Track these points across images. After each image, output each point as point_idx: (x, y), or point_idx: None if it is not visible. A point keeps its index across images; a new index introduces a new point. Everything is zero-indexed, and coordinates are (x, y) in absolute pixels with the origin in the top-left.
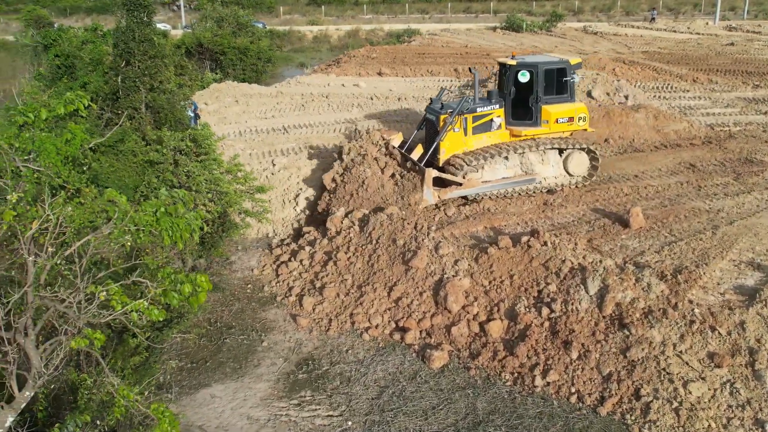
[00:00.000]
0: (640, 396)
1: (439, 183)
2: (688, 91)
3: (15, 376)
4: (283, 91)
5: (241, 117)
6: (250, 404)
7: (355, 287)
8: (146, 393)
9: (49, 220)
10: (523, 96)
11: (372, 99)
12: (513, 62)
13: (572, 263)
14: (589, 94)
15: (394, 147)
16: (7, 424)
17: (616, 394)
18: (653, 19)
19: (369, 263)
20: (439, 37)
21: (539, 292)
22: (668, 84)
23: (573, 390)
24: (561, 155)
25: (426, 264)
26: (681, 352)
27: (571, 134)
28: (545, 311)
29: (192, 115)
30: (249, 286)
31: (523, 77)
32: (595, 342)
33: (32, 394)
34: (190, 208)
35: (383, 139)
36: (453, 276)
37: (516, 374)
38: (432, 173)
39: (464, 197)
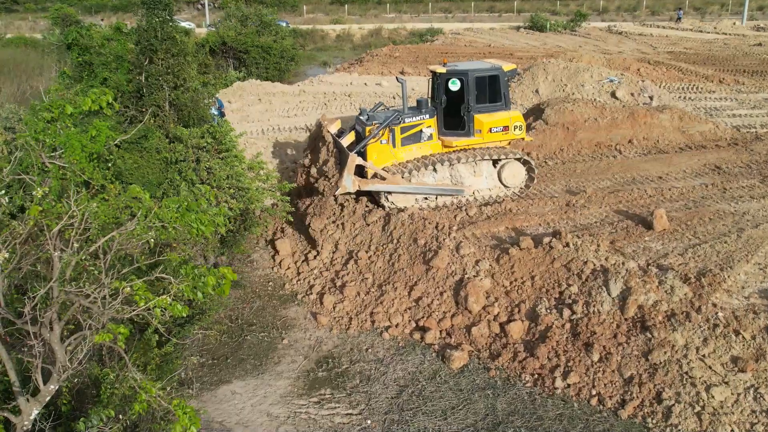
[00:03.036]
0: (661, 399)
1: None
2: (714, 92)
3: (40, 370)
4: (306, 90)
5: (264, 115)
6: (270, 401)
7: (376, 286)
8: (168, 388)
9: (75, 216)
10: (454, 105)
11: (394, 98)
12: (443, 70)
13: (594, 265)
14: (613, 94)
15: (328, 131)
16: (33, 417)
17: (637, 397)
18: (679, 19)
19: (389, 262)
20: (462, 37)
21: (560, 293)
22: (694, 85)
23: (594, 392)
24: (495, 166)
25: (447, 264)
26: (704, 356)
27: (509, 144)
28: (566, 313)
29: (216, 113)
30: (270, 283)
31: (454, 85)
32: (617, 344)
33: (56, 387)
34: (212, 203)
35: (322, 124)
36: (474, 276)
37: (536, 376)
38: (355, 159)
39: (371, 199)
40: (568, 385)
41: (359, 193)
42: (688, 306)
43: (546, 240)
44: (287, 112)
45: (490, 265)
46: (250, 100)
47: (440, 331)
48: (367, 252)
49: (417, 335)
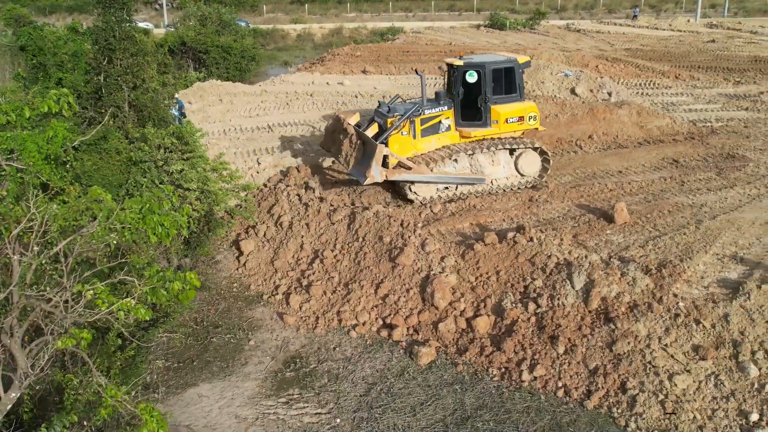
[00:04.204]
0: (626, 389)
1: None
2: (670, 87)
3: (0, 378)
4: (268, 90)
5: (226, 116)
6: (237, 403)
7: (342, 285)
8: (133, 393)
9: (34, 219)
10: (471, 96)
11: (356, 97)
12: (460, 63)
13: (558, 258)
14: (572, 91)
15: (349, 124)
16: None
17: (602, 387)
18: (635, 16)
19: (355, 261)
20: (423, 35)
21: (525, 287)
22: (651, 81)
23: (560, 384)
24: (512, 155)
25: (412, 261)
26: (666, 345)
27: (523, 134)
28: (532, 306)
29: (177, 114)
30: (235, 284)
31: (471, 77)
32: (582, 336)
33: (18, 395)
34: (176, 205)
35: (341, 119)
36: (440, 272)
37: (503, 369)
38: (383, 150)
39: (404, 197)
40: (535, 378)
41: (379, 185)
42: (649, 297)
43: (510, 235)
44: (249, 112)
45: (456, 261)
46: (210, 101)
47: (407, 328)
48: (332, 251)
49: (384, 333)
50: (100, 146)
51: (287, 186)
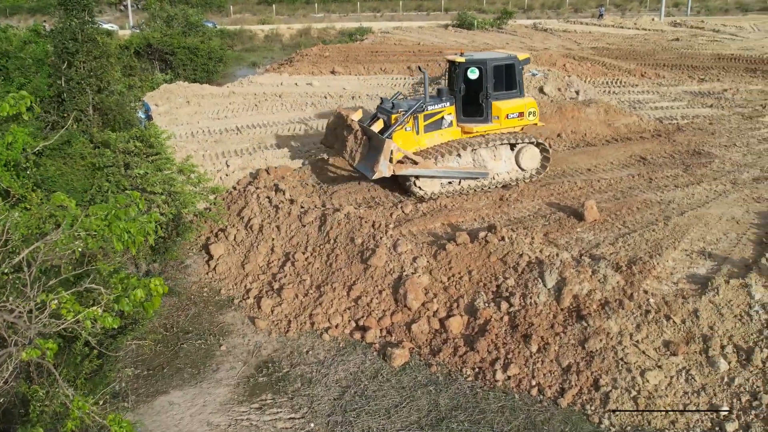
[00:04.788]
0: (599, 386)
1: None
2: (636, 85)
3: None
4: (236, 91)
5: (193, 118)
6: (209, 410)
7: (314, 287)
8: (101, 403)
9: None
10: (473, 93)
11: (326, 98)
12: (462, 59)
13: (529, 257)
14: (541, 90)
15: (353, 121)
16: None
17: (575, 385)
18: (601, 15)
19: (327, 263)
20: (391, 35)
21: (498, 286)
22: (617, 79)
23: (533, 383)
24: (513, 150)
25: (385, 262)
26: (638, 341)
27: (522, 129)
28: (504, 305)
29: (143, 116)
30: (205, 289)
31: (473, 74)
32: (554, 334)
33: None
34: (143, 210)
35: (343, 115)
36: (412, 273)
37: (477, 369)
38: (391, 145)
39: (417, 196)
40: (509, 377)
41: (392, 180)
42: (620, 294)
43: (481, 235)
44: (217, 114)
45: (428, 262)
46: (178, 103)
47: (380, 330)
48: (304, 253)
49: (357, 335)
50: (64, 151)
51: (257, 188)
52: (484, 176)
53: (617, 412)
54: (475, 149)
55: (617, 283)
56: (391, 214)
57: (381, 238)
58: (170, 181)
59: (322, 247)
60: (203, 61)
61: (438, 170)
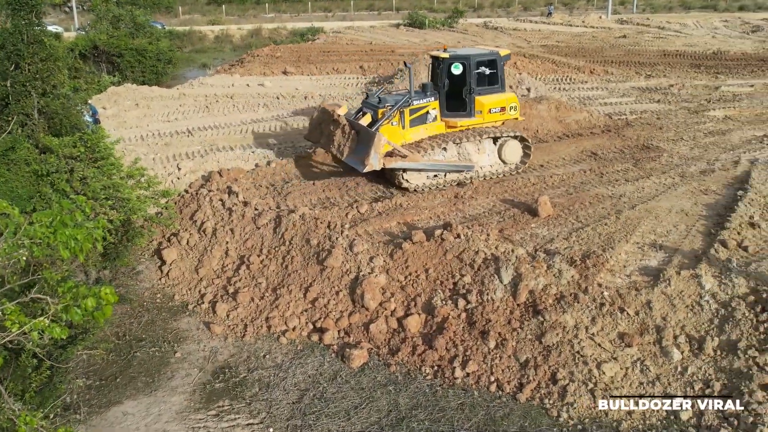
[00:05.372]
0: (556, 380)
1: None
2: (586, 82)
3: None
4: (186, 93)
5: (143, 121)
6: (165, 419)
7: (270, 290)
8: (52, 416)
9: None
10: (456, 88)
11: (278, 98)
12: (446, 55)
13: (485, 254)
14: None
15: (340, 115)
16: None
17: (533, 379)
18: (550, 13)
19: (283, 265)
20: (343, 35)
21: (455, 284)
22: (567, 76)
23: (492, 379)
24: (495, 144)
25: (341, 263)
26: (593, 334)
27: (503, 123)
28: (461, 303)
29: (90, 120)
30: (158, 295)
31: (456, 69)
32: (511, 330)
33: None
34: (89, 216)
35: (328, 110)
36: (369, 273)
37: (436, 367)
38: (382, 138)
39: (399, 186)
40: (468, 374)
41: (379, 174)
42: (575, 287)
43: (437, 233)
44: (167, 116)
45: (385, 261)
46: (126, 106)
47: (338, 331)
48: (259, 256)
49: (315, 337)
50: (8, 157)
51: (210, 191)
52: (469, 169)
53: (575, 405)
54: (460, 143)
55: (572, 277)
56: (346, 215)
57: (337, 238)
58: (116, 186)
59: (277, 249)
60: (152, 62)
61: (426, 163)
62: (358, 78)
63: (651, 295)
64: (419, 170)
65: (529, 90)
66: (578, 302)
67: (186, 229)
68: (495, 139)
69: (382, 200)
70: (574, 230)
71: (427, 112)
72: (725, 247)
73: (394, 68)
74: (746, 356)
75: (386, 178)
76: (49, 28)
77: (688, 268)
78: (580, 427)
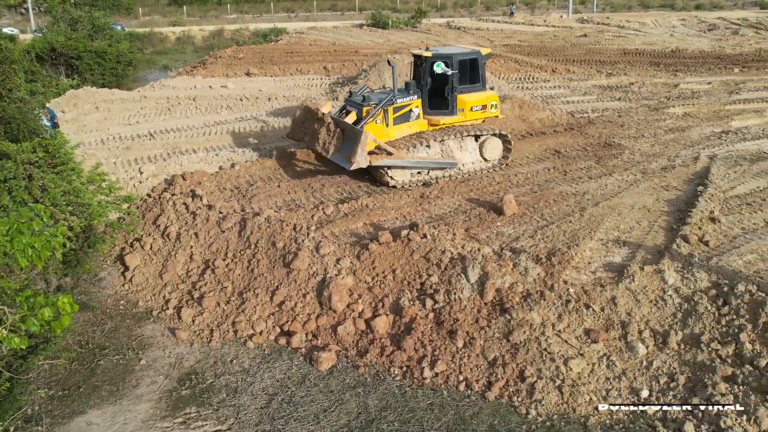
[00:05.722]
0: (524, 377)
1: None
2: (548, 81)
3: None
4: (147, 96)
5: (103, 124)
6: (131, 428)
7: (236, 294)
8: (12, 429)
9: None
10: (438, 86)
11: (242, 100)
12: (428, 54)
13: (452, 253)
14: None
15: (324, 114)
16: None
17: (502, 377)
18: (512, 13)
19: (249, 269)
20: (306, 36)
21: (422, 284)
22: (530, 75)
23: (461, 378)
24: (477, 141)
25: (307, 265)
26: (560, 331)
27: (483, 121)
28: (429, 303)
29: (49, 124)
30: (122, 302)
31: (439, 68)
32: (479, 329)
33: None
34: (48, 223)
35: (312, 109)
36: (336, 275)
37: (405, 368)
38: (369, 136)
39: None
40: (436, 374)
41: (363, 172)
42: (541, 285)
43: (404, 233)
44: (128, 119)
45: (351, 263)
46: (86, 109)
47: (306, 334)
48: (224, 260)
49: (282, 340)
50: None
51: (173, 195)
52: (452, 166)
53: (543, 402)
54: (443, 140)
55: (538, 274)
56: (312, 216)
57: (303, 240)
58: (76, 192)
59: (242, 252)
60: (112, 65)
61: (411, 161)
62: (321, 79)
63: (616, 291)
64: (404, 167)
65: (492, 89)
66: (544, 300)
67: (149, 234)
68: (477, 137)
69: (348, 201)
70: (539, 228)
71: (411, 110)
72: (687, 242)
73: (358, 69)
74: (709, 349)
75: (371, 175)
76: (5, 30)
77: (651, 264)
78: (548, 423)
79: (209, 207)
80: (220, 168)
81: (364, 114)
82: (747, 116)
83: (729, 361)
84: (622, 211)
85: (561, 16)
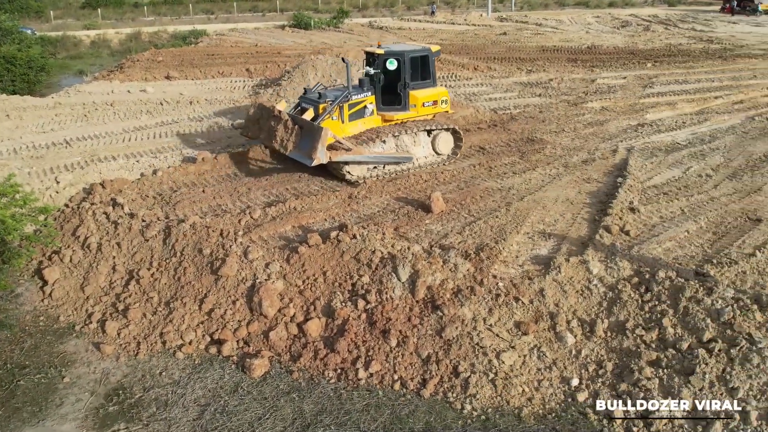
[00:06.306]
0: (458, 373)
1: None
2: (471, 79)
3: None
4: (62, 102)
5: (15, 132)
6: None
7: (163, 304)
8: None
9: None
10: (391, 83)
11: (162, 104)
12: (381, 51)
13: (382, 253)
14: None
15: (281, 111)
16: None
17: (436, 374)
18: (433, 12)
19: (175, 277)
20: (227, 37)
21: (353, 285)
22: (453, 73)
23: (396, 377)
24: (429, 136)
25: (236, 271)
26: (491, 325)
27: (434, 116)
28: (361, 303)
29: None
30: (41, 318)
31: (391, 65)
32: (412, 327)
33: None
34: None
35: (267, 107)
36: (265, 280)
37: (339, 370)
38: (328, 133)
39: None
40: (371, 375)
41: (321, 167)
42: (471, 280)
43: (333, 234)
44: (42, 127)
45: (281, 267)
46: None
47: (237, 341)
48: (149, 269)
49: (213, 349)
50: None
51: (92, 204)
52: (408, 160)
53: (477, 396)
54: (398, 135)
55: (467, 270)
56: (239, 221)
57: (230, 246)
58: None
59: (168, 261)
60: (23, 70)
61: (369, 156)
62: (244, 81)
63: (543, 283)
64: (362, 163)
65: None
66: (475, 295)
67: (68, 246)
68: (429, 132)
69: (276, 204)
70: (467, 224)
71: (365, 107)
72: (609, 232)
73: (281, 70)
74: (634, 335)
75: (328, 171)
76: None
77: (576, 255)
78: (483, 417)
79: (131, 215)
80: (142, 175)
81: (321, 111)
82: (661, 109)
83: (653, 346)
84: (546, 205)
85: (481, 15)
